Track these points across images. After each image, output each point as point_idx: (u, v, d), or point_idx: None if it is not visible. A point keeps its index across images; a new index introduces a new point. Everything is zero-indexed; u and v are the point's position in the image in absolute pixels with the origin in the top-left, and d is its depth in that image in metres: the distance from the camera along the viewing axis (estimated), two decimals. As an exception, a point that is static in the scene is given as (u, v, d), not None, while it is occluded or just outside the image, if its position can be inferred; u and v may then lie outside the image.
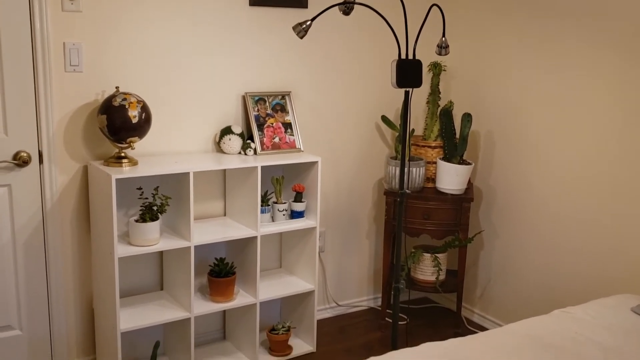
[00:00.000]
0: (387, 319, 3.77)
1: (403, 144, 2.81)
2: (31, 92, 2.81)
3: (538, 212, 3.48)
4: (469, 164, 3.59)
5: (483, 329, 3.73)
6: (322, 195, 3.61)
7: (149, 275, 3.24)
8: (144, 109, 2.86)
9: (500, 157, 3.68)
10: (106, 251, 2.85)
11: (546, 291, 3.46)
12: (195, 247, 3.00)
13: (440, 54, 2.95)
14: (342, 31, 3.60)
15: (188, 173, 2.91)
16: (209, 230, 3.15)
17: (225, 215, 3.41)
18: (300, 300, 3.50)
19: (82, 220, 3.04)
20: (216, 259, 3.21)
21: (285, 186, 3.37)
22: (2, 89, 2.75)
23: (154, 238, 2.90)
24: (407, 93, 2.73)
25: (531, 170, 3.50)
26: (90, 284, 3.11)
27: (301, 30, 2.75)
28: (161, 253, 3.24)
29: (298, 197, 3.34)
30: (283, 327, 3.39)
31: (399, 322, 3.33)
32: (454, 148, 3.58)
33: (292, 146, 3.36)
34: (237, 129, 3.26)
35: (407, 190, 2.88)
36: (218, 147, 3.30)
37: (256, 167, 3.08)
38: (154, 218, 2.91)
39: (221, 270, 3.16)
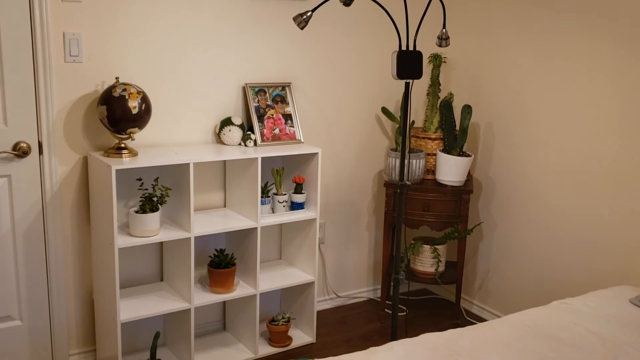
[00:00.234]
0: (386, 310, 3.78)
1: (403, 135, 2.81)
2: (31, 82, 2.81)
3: (537, 204, 3.48)
4: (468, 155, 3.60)
5: (482, 320, 3.75)
6: (322, 187, 3.61)
7: (149, 266, 3.24)
8: (144, 99, 2.86)
9: (499, 149, 3.69)
10: (106, 242, 2.85)
11: (545, 282, 3.47)
12: (196, 238, 3.00)
13: (440, 46, 2.95)
14: (342, 22, 3.59)
15: (188, 164, 2.91)
16: (209, 221, 3.15)
17: (225, 206, 3.41)
18: (300, 291, 3.51)
19: (82, 211, 3.04)
20: (216, 250, 3.22)
21: (285, 177, 3.37)
22: (1, 79, 2.75)
23: (154, 229, 2.90)
24: (407, 84, 2.73)
25: (530, 162, 3.50)
26: (90, 274, 3.11)
27: (302, 21, 2.75)
28: (161, 244, 3.24)
29: (298, 189, 3.34)
30: (283, 318, 3.40)
31: (399, 313, 3.33)
32: (454, 140, 3.58)
33: (292, 137, 3.36)
34: (237, 120, 3.25)
35: (407, 182, 2.88)
36: (218, 138, 3.30)
37: (256, 158, 3.09)
38: (154, 209, 2.91)
39: (221, 261, 3.16)
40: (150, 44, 3.05)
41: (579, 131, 3.24)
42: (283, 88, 3.41)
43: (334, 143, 3.73)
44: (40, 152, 2.88)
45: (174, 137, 3.20)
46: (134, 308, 2.96)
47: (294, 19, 2.75)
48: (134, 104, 2.80)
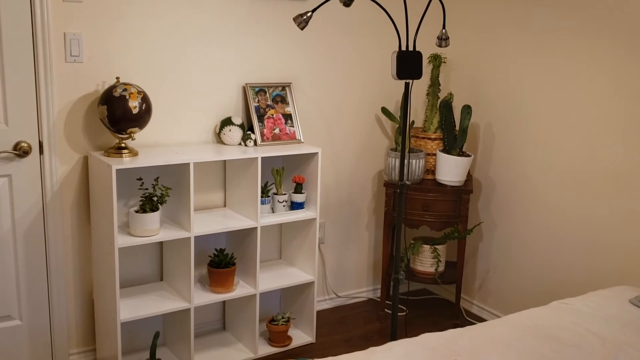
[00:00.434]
0: (386, 310, 3.78)
1: (403, 135, 2.81)
2: (32, 82, 2.81)
3: (537, 204, 3.48)
4: (468, 155, 3.60)
5: (482, 320, 3.75)
6: (322, 187, 3.61)
7: (149, 265, 3.25)
8: (145, 99, 2.86)
9: (499, 149, 3.69)
10: (106, 241, 2.85)
11: (545, 283, 3.47)
12: (195, 237, 3.00)
13: (440, 46, 2.95)
14: (342, 22, 3.59)
15: (188, 164, 2.91)
16: (209, 221, 3.16)
17: (225, 206, 3.42)
18: (300, 291, 3.51)
19: (82, 210, 3.04)
20: (216, 249, 3.22)
21: (285, 177, 3.38)
22: (2, 79, 2.75)
23: (154, 228, 2.91)
24: (407, 85, 2.73)
25: (530, 162, 3.50)
26: (90, 274, 3.12)
27: (302, 21, 2.75)
28: (161, 244, 3.24)
29: (298, 188, 3.34)
30: (283, 317, 3.40)
31: (398, 313, 3.33)
32: (454, 140, 3.58)
33: (292, 137, 3.36)
34: (238, 120, 3.26)
35: (406, 182, 2.88)
36: (218, 138, 3.30)
37: (256, 158, 3.09)
38: (154, 209, 2.91)
39: (221, 261, 3.17)
40: (151, 44, 3.05)
41: (579, 131, 3.24)
42: (283, 88, 3.41)
43: (334, 143, 3.74)
44: (41, 151, 2.88)
45: (174, 136, 3.20)
46: (133, 308, 2.96)
47: (294, 19, 2.75)
48: (134, 104, 2.80)
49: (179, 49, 3.13)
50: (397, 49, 2.68)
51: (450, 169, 3.57)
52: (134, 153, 2.91)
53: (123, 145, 2.90)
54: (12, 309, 2.95)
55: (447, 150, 3.60)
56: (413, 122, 3.78)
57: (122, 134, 2.87)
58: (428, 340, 2.29)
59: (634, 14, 2.94)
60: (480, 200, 3.84)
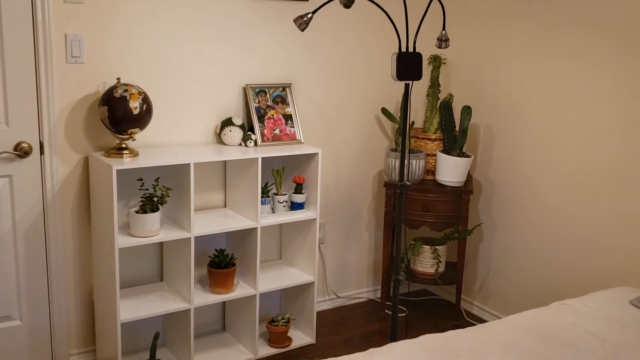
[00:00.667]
0: (386, 310, 3.79)
1: (403, 136, 2.81)
2: (32, 83, 2.81)
3: (537, 204, 3.49)
4: (468, 156, 3.60)
5: (482, 321, 3.75)
6: (322, 187, 3.62)
7: (149, 266, 3.25)
8: (145, 100, 2.86)
9: (499, 150, 3.69)
10: (106, 242, 2.86)
11: (545, 283, 3.47)
12: (196, 238, 3.01)
13: (440, 47, 2.95)
14: (343, 24, 3.60)
15: (189, 164, 2.91)
16: (209, 221, 3.16)
17: (225, 206, 3.42)
18: (300, 291, 3.51)
19: (82, 211, 3.04)
20: (216, 250, 3.22)
21: (285, 178, 3.38)
22: (3, 79, 2.75)
23: (154, 229, 2.91)
24: (407, 85, 2.74)
25: (530, 162, 3.50)
26: (90, 274, 3.12)
27: (302, 22, 2.75)
28: (161, 244, 3.25)
29: (298, 189, 3.34)
30: (283, 318, 3.40)
31: (399, 314, 3.33)
32: (454, 140, 3.58)
33: (292, 138, 3.36)
34: (238, 120, 3.26)
35: (407, 182, 2.88)
36: (219, 139, 3.30)
37: (256, 158, 3.09)
38: (154, 209, 2.92)
39: (221, 261, 3.17)
40: (152, 45, 3.05)
41: (579, 131, 3.24)
42: (283, 89, 3.41)
43: (334, 143, 3.74)
44: (42, 152, 2.89)
45: (174, 137, 3.20)
46: (133, 308, 2.96)
47: (295, 20, 2.75)
48: (135, 105, 2.81)
49: (180, 50, 3.13)
50: (397, 50, 2.68)
51: (450, 170, 3.57)
52: (134, 153, 2.91)
53: (124, 145, 2.90)
54: (12, 309, 2.95)
55: (447, 150, 3.60)
56: (413, 122, 3.79)
57: (123, 135, 2.87)
58: (428, 341, 2.29)
59: (634, 14, 2.94)
60: (480, 201, 3.85)
